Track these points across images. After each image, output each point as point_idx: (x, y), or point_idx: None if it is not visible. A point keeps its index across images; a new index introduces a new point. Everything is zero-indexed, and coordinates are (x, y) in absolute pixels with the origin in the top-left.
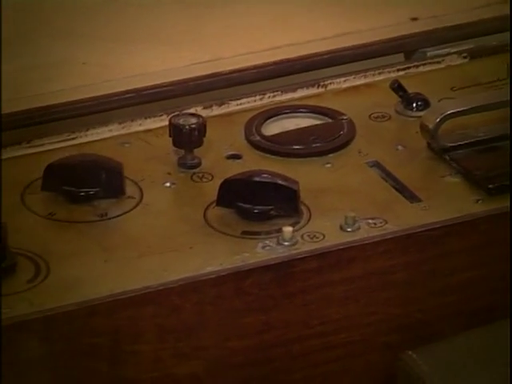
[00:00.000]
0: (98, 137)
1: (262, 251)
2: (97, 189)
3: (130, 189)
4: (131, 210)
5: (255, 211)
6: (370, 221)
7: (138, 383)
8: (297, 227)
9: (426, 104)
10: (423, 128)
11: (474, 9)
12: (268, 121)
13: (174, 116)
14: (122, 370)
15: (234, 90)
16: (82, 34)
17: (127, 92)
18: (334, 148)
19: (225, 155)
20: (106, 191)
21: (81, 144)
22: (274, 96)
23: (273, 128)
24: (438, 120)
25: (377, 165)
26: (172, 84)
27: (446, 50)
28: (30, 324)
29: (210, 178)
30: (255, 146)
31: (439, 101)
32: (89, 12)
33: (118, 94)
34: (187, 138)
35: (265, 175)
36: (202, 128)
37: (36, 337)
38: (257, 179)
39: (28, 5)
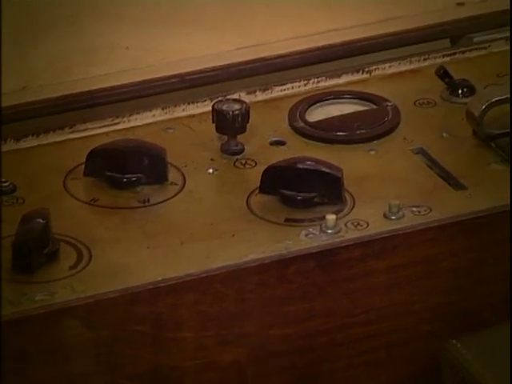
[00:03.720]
0: (141, 122)
1: (305, 239)
2: (140, 175)
3: (172, 175)
4: (174, 196)
5: (298, 198)
6: (415, 208)
7: (180, 370)
8: (340, 215)
9: (471, 90)
10: (469, 115)
11: None
12: (312, 107)
13: (217, 102)
14: (164, 357)
15: (277, 75)
16: (125, 17)
17: (170, 77)
18: (379, 135)
19: (268, 141)
20: (148, 177)
21: (124, 129)
22: (319, 82)
23: (317, 114)
24: (484, 107)
25: (422, 152)
26: (215, 69)
27: (493, 36)
28: (71, 311)
29: (254, 164)
30: (299, 132)
31: (485, 87)
32: None
33: (161, 78)
34: (230, 124)
35: (308, 162)
36: (245, 114)
37: (78, 323)
38: (300, 166)
39: None
